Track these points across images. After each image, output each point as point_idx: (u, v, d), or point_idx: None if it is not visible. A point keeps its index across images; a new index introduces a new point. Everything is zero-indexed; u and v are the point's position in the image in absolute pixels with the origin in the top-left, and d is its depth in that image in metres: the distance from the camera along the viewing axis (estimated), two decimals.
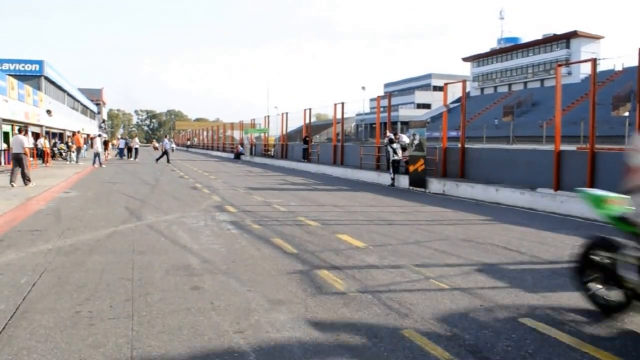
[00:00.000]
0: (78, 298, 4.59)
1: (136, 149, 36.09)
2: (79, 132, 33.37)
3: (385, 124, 21.13)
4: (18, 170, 14.89)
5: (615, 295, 4.21)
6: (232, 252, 6.55)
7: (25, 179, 14.88)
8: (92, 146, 29.60)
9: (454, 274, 5.60)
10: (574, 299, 4.77)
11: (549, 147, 15.37)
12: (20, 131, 17.13)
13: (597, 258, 4.38)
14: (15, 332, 3.79)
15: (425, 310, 4.42)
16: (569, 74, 68.30)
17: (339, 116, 24.47)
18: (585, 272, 4.47)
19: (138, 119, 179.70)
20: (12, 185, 14.39)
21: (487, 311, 4.42)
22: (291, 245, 6.91)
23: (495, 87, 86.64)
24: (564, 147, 12.43)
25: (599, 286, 4.35)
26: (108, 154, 28.84)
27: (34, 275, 5.27)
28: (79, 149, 28.92)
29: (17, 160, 15.04)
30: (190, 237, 7.44)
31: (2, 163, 23.84)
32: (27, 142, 16.50)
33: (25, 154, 15.10)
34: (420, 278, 5.44)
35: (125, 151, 36.82)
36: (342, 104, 24.49)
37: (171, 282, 5.12)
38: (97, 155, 26.46)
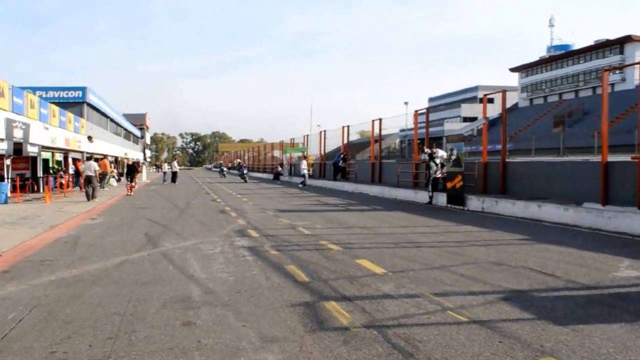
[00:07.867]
0: (60, 336, 4.30)
1: (175, 172, 36.18)
2: (105, 156, 33.98)
3: (428, 139, 20.39)
4: (90, 189, 18.56)
5: None
6: (240, 281, 6.18)
7: (93, 197, 18.61)
8: (138, 171, 30.24)
9: (476, 304, 5.02)
10: (610, 332, 4.12)
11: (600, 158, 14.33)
12: (90, 158, 20.35)
13: None
14: None
15: (434, 348, 3.89)
16: (623, 80, 65.24)
17: (377, 132, 24.00)
18: None
19: (183, 141, 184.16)
20: (88, 200, 18.21)
21: (505, 349, 3.84)
22: (304, 273, 6.48)
23: (545, 97, 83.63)
24: (617, 158, 11.52)
25: None
26: (135, 184, 25.90)
27: (24, 310, 5.03)
28: (104, 175, 27.10)
29: (89, 182, 18.79)
30: (201, 265, 7.11)
31: (41, 190, 23.82)
32: (97, 167, 20.26)
33: (95, 176, 19.28)
34: (437, 309, 4.89)
35: (170, 176, 36.34)
36: (380, 120, 24.04)
37: (164, 317, 4.78)
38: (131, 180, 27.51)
